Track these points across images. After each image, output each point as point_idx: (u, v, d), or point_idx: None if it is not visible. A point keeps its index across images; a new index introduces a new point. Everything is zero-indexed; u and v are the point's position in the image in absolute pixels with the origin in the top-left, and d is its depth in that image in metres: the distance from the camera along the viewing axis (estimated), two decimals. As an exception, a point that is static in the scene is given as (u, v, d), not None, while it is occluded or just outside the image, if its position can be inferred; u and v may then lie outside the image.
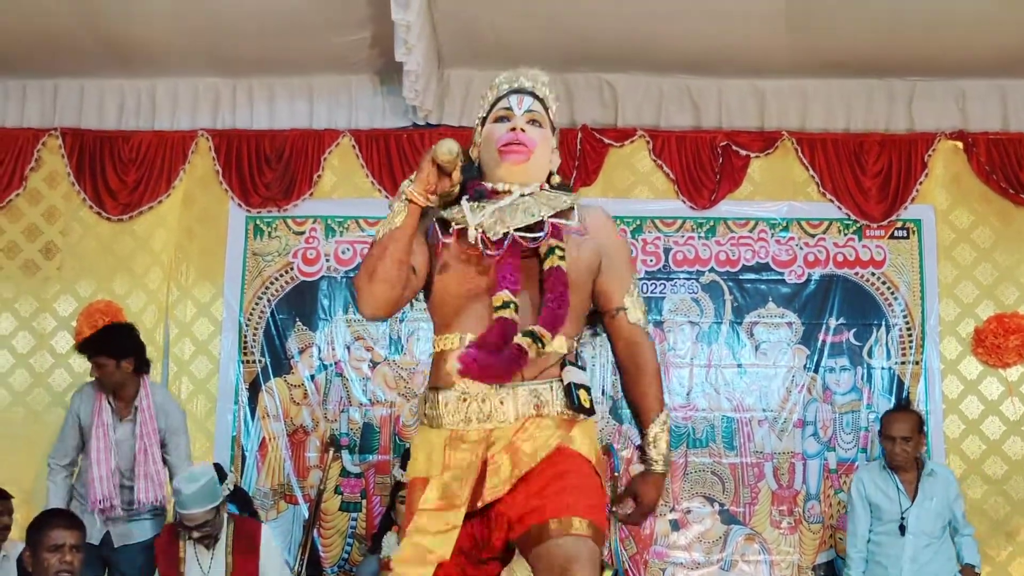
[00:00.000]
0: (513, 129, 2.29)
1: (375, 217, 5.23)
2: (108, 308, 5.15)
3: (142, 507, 4.27)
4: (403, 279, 2.22)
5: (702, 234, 5.24)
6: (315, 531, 4.89)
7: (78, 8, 4.66)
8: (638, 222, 5.25)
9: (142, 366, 4.33)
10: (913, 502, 4.36)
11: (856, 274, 5.21)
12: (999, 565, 4.99)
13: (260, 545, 4.21)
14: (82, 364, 5.12)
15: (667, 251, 5.23)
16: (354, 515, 5.10)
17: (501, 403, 2.19)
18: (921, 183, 5.22)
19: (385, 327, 5.18)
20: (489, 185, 2.28)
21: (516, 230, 2.20)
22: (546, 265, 2.21)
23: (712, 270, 5.22)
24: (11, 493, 4.59)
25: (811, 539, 5.07)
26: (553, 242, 2.23)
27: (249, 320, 5.17)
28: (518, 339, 2.16)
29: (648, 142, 5.26)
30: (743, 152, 5.24)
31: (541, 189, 2.33)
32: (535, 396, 2.22)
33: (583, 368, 2.31)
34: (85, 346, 4.38)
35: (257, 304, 5.20)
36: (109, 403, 4.32)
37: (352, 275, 5.20)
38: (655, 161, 5.26)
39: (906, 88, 5.26)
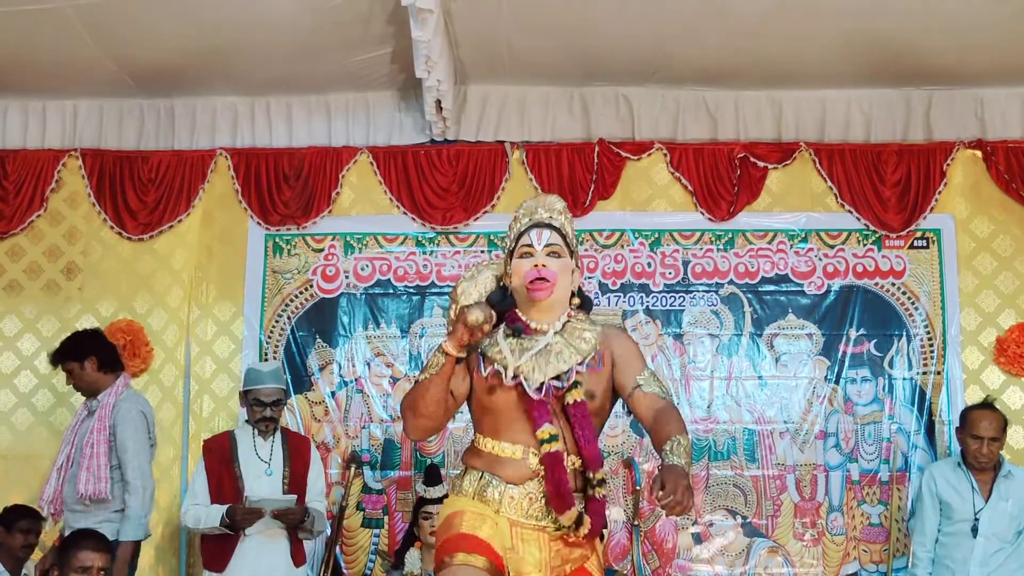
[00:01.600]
0: (536, 266, 2.70)
1: (394, 233, 5.28)
2: (129, 327, 5.18)
3: (90, 502, 4.24)
4: (440, 413, 2.72)
5: (721, 246, 5.23)
6: (337, 547, 4.90)
7: (95, 30, 4.67)
8: (656, 235, 5.25)
9: (109, 364, 4.39)
10: (987, 502, 4.26)
11: (876, 284, 5.19)
12: (1025, 576, 4.96)
13: (310, 451, 4.58)
14: (104, 383, 5.18)
15: (686, 263, 5.23)
16: (376, 531, 5.10)
17: None
18: (940, 192, 5.20)
19: (405, 343, 5.20)
20: (526, 320, 2.74)
21: (550, 378, 2.67)
22: (568, 399, 2.67)
23: (731, 282, 5.21)
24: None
25: (835, 551, 5.05)
26: (574, 379, 2.70)
27: (270, 338, 5.19)
28: (600, 492, 2.72)
29: (665, 155, 5.27)
30: (761, 163, 5.23)
31: (569, 319, 2.77)
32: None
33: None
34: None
35: (277, 322, 5.22)
36: (86, 406, 4.44)
37: (372, 292, 5.24)
38: (673, 174, 5.27)
39: (923, 97, 5.25)
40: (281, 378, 4.57)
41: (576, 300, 2.83)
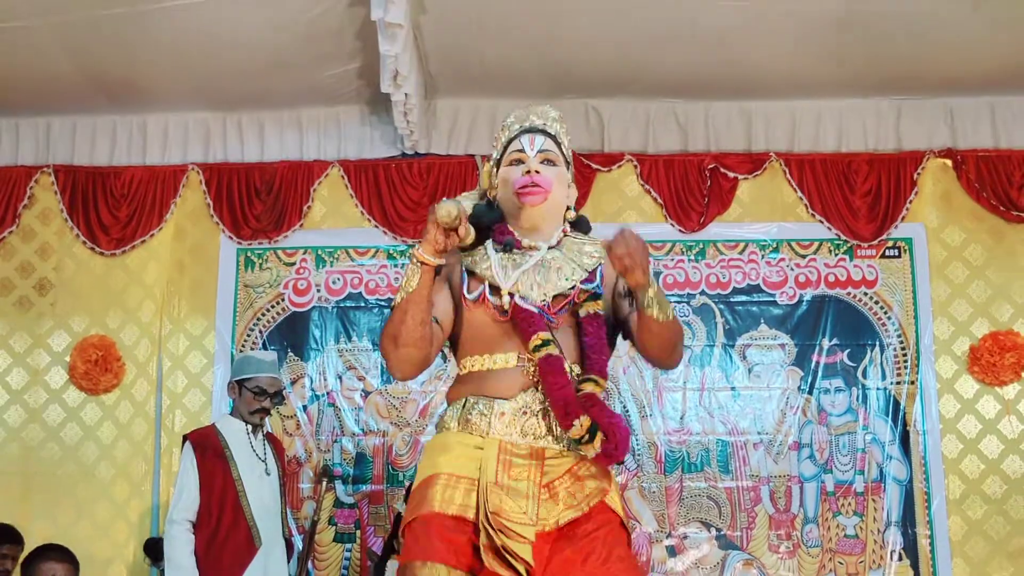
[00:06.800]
0: (528, 172, 2.37)
1: (365, 247, 5.28)
2: (101, 343, 5.17)
3: None
4: (428, 338, 2.28)
5: (692, 257, 5.23)
6: (310, 562, 4.86)
7: (69, 47, 4.71)
8: (627, 246, 5.24)
9: None
10: None
11: (848, 294, 5.18)
12: (1001, 586, 4.92)
13: (283, 453, 4.44)
14: (76, 399, 5.19)
15: (657, 275, 5.20)
16: (348, 546, 5.07)
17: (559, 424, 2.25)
18: (911, 201, 5.20)
19: (377, 356, 5.17)
20: (518, 237, 2.38)
21: (552, 296, 2.34)
22: (583, 311, 2.33)
23: (703, 293, 5.20)
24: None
25: (810, 563, 5.01)
26: (590, 288, 2.36)
27: (241, 351, 5.18)
28: (590, 388, 2.26)
29: (636, 166, 5.27)
30: (731, 174, 5.23)
31: (565, 235, 2.44)
32: None
33: None
34: None
35: (249, 335, 5.21)
36: None
37: (343, 305, 5.23)
38: (643, 185, 5.27)
39: (893, 107, 5.25)
40: (278, 369, 4.38)
41: (572, 214, 2.50)
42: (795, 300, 5.18)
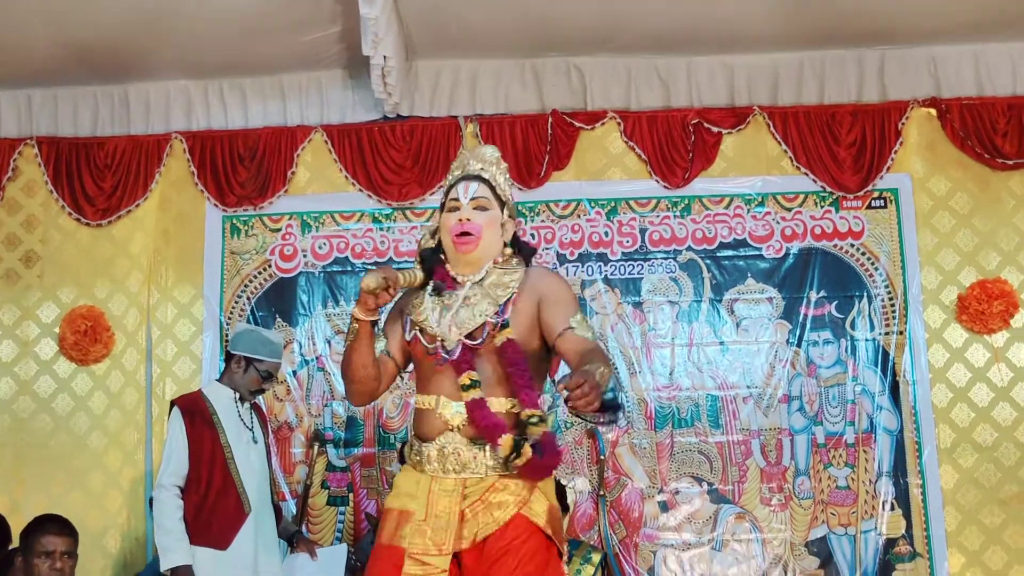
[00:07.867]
0: (460, 220, 2.71)
1: (350, 211, 5.30)
2: (90, 313, 5.18)
3: None
4: (372, 376, 2.72)
5: (677, 213, 5.22)
6: (303, 527, 4.89)
7: (47, 18, 4.70)
8: (613, 204, 5.24)
9: None
10: None
11: (835, 246, 5.17)
12: (993, 533, 4.93)
13: (267, 421, 4.47)
14: (66, 370, 5.20)
15: (643, 231, 5.21)
16: (342, 509, 5.09)
17: (474, 457, 2.64)
18: (896, 152, 5.18)
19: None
20: (452, 274, 2.74)
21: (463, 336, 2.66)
22: (497, 342, 2.63)
23: (689, 248, 5.19)
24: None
25: (802, 515, 5.02)
26: (502, 320, 2.66)
27: (230, 319, 5.19)
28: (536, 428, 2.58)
29: (619, 123, 5.25)
30: (715, 129, 5.22)
31: (495, 265, 2.74)
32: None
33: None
34: None
35: (237, 302, 5.22)
36: None
37: (330, 270, 5.24)
38: (627, 142, 5.25)
39: (876, 57, 5.22)
40: None
41: (508, 251, 2.79)
42: (782, 253, 5.17)
